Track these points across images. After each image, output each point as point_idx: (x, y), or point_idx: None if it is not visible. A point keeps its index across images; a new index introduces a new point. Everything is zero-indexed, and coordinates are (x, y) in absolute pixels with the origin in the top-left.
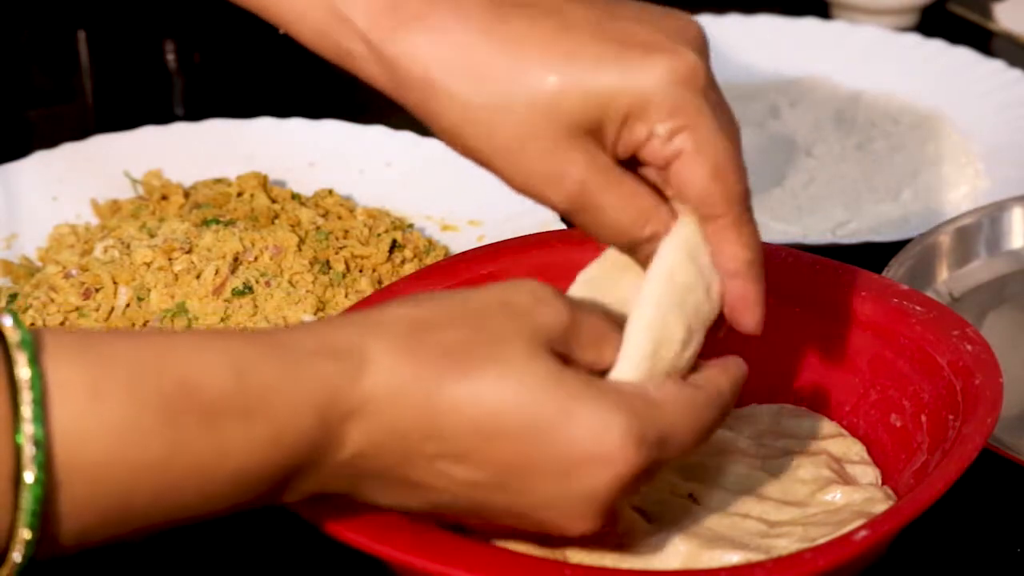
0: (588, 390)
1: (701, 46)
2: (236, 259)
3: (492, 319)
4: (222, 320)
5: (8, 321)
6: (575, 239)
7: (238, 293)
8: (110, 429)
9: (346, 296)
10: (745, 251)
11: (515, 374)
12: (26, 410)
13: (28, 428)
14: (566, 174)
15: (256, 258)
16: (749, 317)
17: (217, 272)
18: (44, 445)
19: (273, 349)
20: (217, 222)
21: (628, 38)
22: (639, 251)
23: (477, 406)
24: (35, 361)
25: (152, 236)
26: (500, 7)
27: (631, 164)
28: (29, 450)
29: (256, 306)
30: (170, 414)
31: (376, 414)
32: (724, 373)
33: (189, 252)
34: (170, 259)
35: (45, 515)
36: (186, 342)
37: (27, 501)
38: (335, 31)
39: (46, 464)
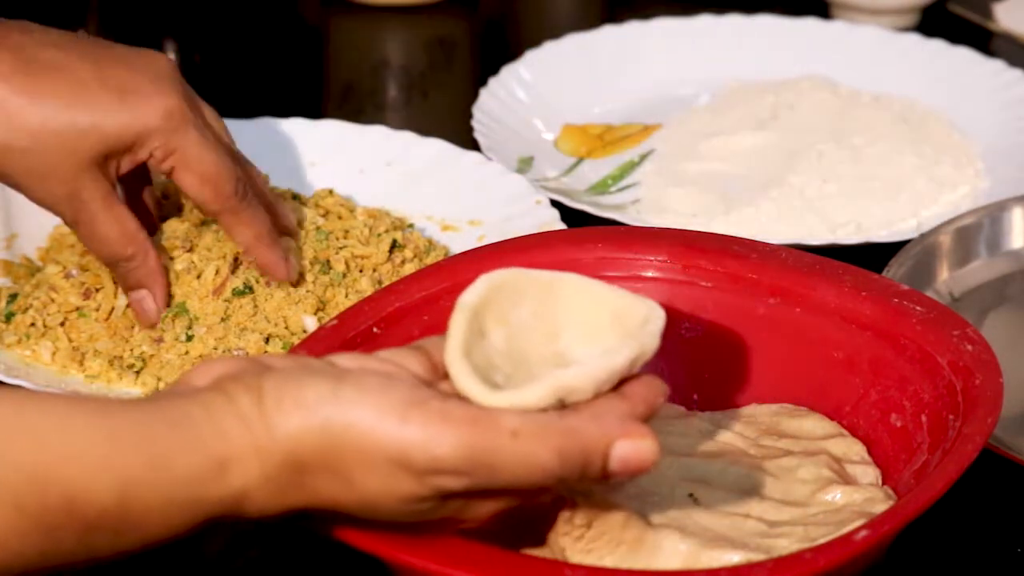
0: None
1: (176, 78)
2: (236, 259)
3: (371, 485)
4: (222, 320)
5: None
6: (575, 239)
7: (238, 293)
8: None
9: (346, 296)
10: (247, 231)
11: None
12: None
13: None
14: (78, 196)
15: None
16: (279, 273)
17: (217, 272)
18: None
19: (157, 473)
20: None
21: (126, 86)
22: (119, 267)
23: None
24: None
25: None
26: (26, 67)
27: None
28: None
29: (256, 306)
30: (50, 527)
31: (245, 517)
32: (595, 421)
33: (190, 251)
34: (171, 258)
35: None
36: (78, 459)
37: None
38: None
39: None
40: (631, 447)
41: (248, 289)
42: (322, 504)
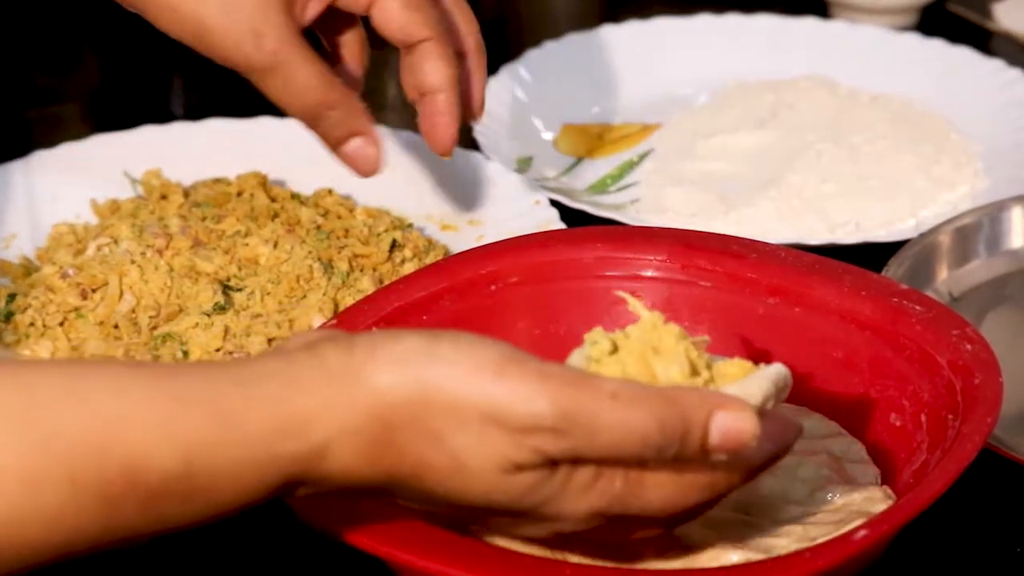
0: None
1: None
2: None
3: (462, 443)
4: (220, 309)
5: None
6: (575, 239)
7: (236, 290)
8: (46, 515)
9: (349, 296)
10: (447, 67)
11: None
12: None
13: None
14: (267, 32)
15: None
16: (444, 133)
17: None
18: None
19: (226, 432)
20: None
21: None
22: (324, 120)
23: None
24: None
25: (141, 232)
26: None
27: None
28: None
29: (256, 313)
30: (110, 499)
31: (327, 483)
32: (695, 391)
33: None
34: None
35: None
36: (137, 424)
37: None
38: None
39: None
40: (732, 418)
41: (221, 308)
42: (410, 468)
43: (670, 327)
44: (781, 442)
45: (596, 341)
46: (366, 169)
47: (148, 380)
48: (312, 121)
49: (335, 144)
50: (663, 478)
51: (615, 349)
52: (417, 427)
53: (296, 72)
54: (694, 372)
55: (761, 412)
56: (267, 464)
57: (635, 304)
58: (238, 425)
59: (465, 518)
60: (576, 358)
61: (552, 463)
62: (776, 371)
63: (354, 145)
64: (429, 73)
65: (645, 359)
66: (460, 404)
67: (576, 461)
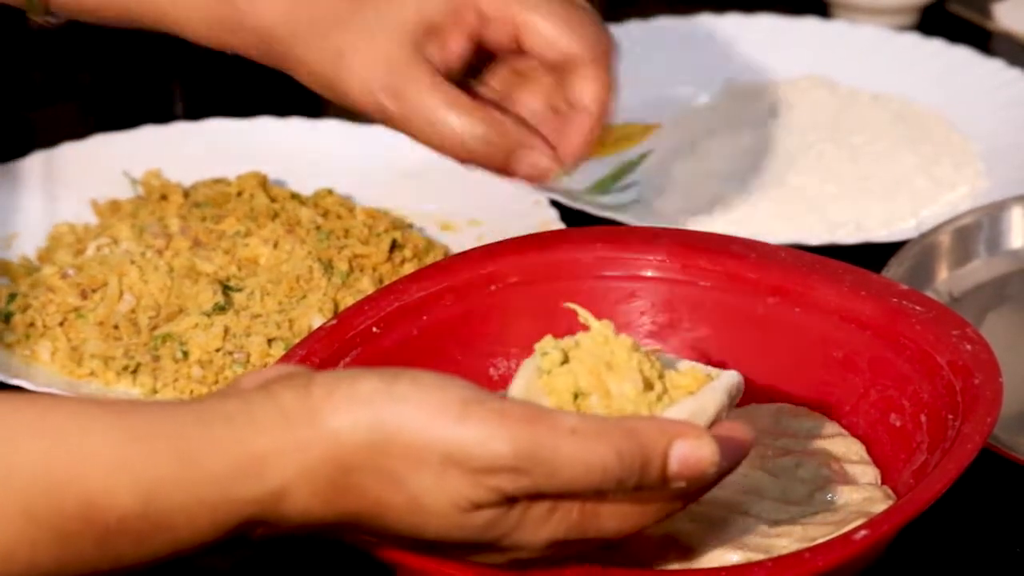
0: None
1: None
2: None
3: (422, 484)
4: (220, 309)
5: None
6: (575, 239)
7: (236, 290)
8: None
9: (349, 296)
10: (600, 89)
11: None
12: None
13: None
14: (397, 85)
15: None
16: (567, 151)
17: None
18: None
19: (185, 472)
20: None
21: None
22: (479, 160)
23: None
24: None
25: (141, 233)
26: None
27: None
28: None
29: (256, 314)
30: (66, 535)
31: (286, 524)
32: (653, 421)
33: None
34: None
35: None
36: (97, 460)
37: None
38: (224, 15)
39: None
40: (690, 446)
41: (221, 308)
42: (369, 508)
43: (621, 339)
44: (734, 458)
45: (547, 352)
46: (539, 181)
47: (111, 417)
48: (468, 160)
49: (505, 169)
50: (621, 505)
51: (566, 359)
52: (376, 468)
53: (435, 118)
54: (647, 386)
55: (715, 427)
56: (224, 505)
57: (584, 314)
58: (198, 465)
59: (425, 549)
60: (527, 368)
61: (510, 500)
62: (728, 380)
63: (519, 169)
64: (577, 92)
65: (598, 373)
66: (421, 446)
67: (534, 497)
